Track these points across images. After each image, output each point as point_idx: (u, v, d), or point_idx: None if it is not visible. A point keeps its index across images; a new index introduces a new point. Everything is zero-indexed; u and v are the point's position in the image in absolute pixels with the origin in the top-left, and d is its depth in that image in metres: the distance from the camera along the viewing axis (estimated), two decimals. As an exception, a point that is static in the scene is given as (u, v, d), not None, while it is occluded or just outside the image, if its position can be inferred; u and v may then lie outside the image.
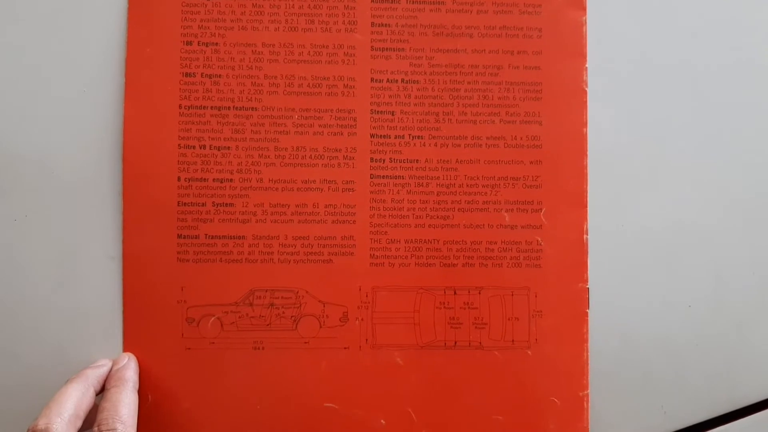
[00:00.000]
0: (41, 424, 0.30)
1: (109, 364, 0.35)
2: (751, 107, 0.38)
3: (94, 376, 0.33)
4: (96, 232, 0.36)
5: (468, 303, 0.36)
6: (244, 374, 0.35)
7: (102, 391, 0.34)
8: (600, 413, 0.37)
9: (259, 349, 0.36)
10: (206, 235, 0.36)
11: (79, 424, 0.31)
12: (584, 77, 0.37)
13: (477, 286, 0.36)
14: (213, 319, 0.36)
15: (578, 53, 0.37)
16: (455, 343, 0.36)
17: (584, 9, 0.37)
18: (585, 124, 0.37)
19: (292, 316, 0.36)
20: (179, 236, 0.36)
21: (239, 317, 0.36)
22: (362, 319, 0.36)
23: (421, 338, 0.36)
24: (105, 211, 0.36)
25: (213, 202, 0.36)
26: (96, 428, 0.31)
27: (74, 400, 0.31)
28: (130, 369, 0.34)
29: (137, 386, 0.34)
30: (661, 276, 0.38)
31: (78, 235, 0.36)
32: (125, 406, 0.32)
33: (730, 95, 0.38)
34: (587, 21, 0.37)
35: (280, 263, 0.36)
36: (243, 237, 0.36)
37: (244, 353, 0.35)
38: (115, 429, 0.31)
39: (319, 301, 0.36)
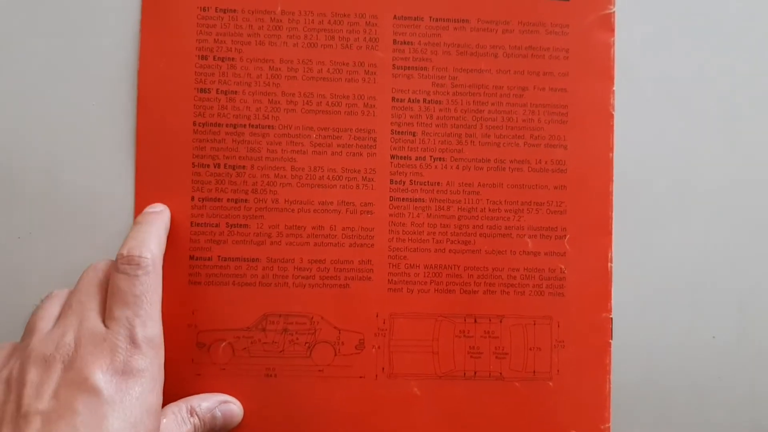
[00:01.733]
0: (137, 250, 0.30)
1: (167, 210, 0.34)
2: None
3: (163, 220, 0.33)
4: (105, 251, 0.34)
5: (489, 332, 0.35)
6: (255, 402, 0.34)
7: None
8: (622, 447, 0.35)
9: (271, 376, 0.34)
10: (219, 257, 0.34)
11: (162, 254, 0.32)
12: (611, 100, 0.36)
13: (498, 314, 0.35)
14: (224, 344, 0.34)
15: (606, 75, 0.36)
16: (475, 373, 0.35)
17: (613, 30, 0.36)
18: (611, 149, 0.36)
19: (306, 343, 0.34)
20: (191, 258, 0.34)
21: (251, 343, 0.34)
22: (379, 347, 0.35)
23: (439, 368, 0.35)
24: (115, 230, 0.35)
25: (227, 223, 0.34)
26: (123, 251, 0.30)
27: (158, 235, 0.32)
28: (164, 213, 0.34)
29: (168, 230, 0.34)
30: (685, 306, 0.37)
31: (86, 253, 0.35)
32: (156, 238, 0.32)
33: (762, 122, 0.37)
34: (615, 42, 0.36)
35: (294, 287, 0.34)
36: (257, 259, 0.34)
37: (256, 380, 0.34)
38: (146, 258, 0.30)
39: (335, 328, 0.35)
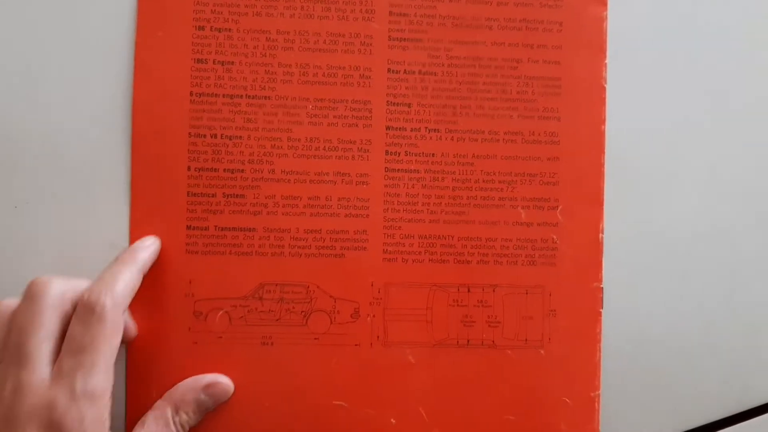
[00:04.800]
0: (95, 295, 0.29)
1: (156, 244, 0.34)
2: (769, 108, 0.38)
3: (143, 260, 0.33)
4: (102, 221, 0.35)
5: (482, 301, 0.36)
6: (252, 370, 0.35)
7: None
8: (611, 414, 0.36)
9: (267, 344, 0.35)
10: (216, 226, 0.35)
11: (126, 305, 0.30)
12: (604, 74, 0.36)
13: (491, 283, 0.36)
14: (221, 313, 0.35)
15: (598, 49, 0.36)
16: (468, 341, 0.35)
17: (605, 4, 0.36)
18: (603, 122, 0.36)
19: (302, 312, 0.35)
20: (188, 227, 0.35)
21: (248, 312, 0.35)
22: (374, 316, 0.35)
23: (433, 336, 0.35)
24: (111, 200, 0.35)
25: (223, 193, 0.35)
26: (84, 294, 0.29)
27: (127, 280, 0.31)
28: (146, 251, 0.33)
29: (146, 270, 0.33)
30: (676, 276, 0.37)
31: (83, 223, 0.35)
32: (123, 282, 0.31)
33: (753, 97, 0.38)
34: (608, 16, 0.36)
35: (290, 257, 0.35)
36: (254, 229, 0.35)
37: (253, 348, 0.35)
38: (103, 304, 0.29)
39: (330, 297, 0.35)
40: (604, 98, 0.36)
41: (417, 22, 0.35)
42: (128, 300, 0.31)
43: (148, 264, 0.33)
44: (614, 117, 0.36)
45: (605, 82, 0.36)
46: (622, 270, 0.37)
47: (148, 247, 0.33)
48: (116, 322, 0.29)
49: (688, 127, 0.37)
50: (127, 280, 0.31)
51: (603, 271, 0.36)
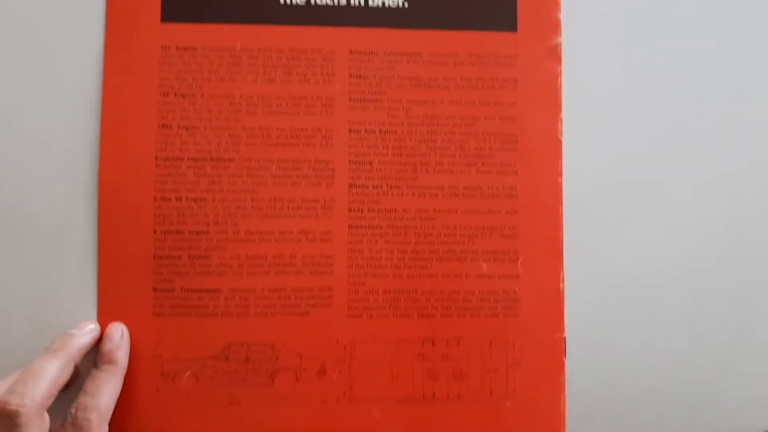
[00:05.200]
0: (12, 402, 0.29)
1: (95, 331, 0.34)
2: (726, 157, 0.39)
3: (76, 349, 0.33)
4: (70, 285, 0.35)
5: (446, 354, 0.36)
6: (219, 430, 0.35)
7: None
8: (579, 463, 0.37)
9: (235, 404, 0.35)
10: (182, 288, 0.35)
11: (50, 402, 0.30)
12: (559, 128, 0.37)
13: (455, 336, 0.36)
14: (188, 373, 0.35)
15: (553, 104, 0.37)
16: (434, 395, 0.36)
17: (560, 60, 0.38)
18: (560, 174, 0.37)
19: (268, 371, 0.35)
20: (155, 290, 0.35)
21: (215, 372, 0.35)
22: (340, 372, 0.35)
23: (399, 391, 0.36)
24: (79, 263, 0.35)
25: (189, 255, 0.35)
26: (72, 410, 0.31)
27: (51, 378, 0.31)
28: (121, 350, 0.34)
29: (125, 369, 0.34)
30: (638, 321, 0.38)
31: (51, 286, 0.35)
32: (108, 395, 0.32)
33: (703, 143, 0.39)
34: (562, 72, 0.38)
35: (256, 316, 0.35)
36: (219, 290, 0.35)
37: (220, 408, 0.35)
38: (89, 420, 0.30)
39: (296, 354, 0.35)
40: (560, 152, 0.37)
41: (376, 84, 0.37)
42: (52, 398, 0.31)
43: (85, 349, 0.33)
44: (571, 169, 0.37)
45: (561, 136, 0.37)
46: (584, 318, 0.37)
47: (86, 334, 0.34)
48: (37, 424, 0.29)
49: (643, 175, 0.38)
50: (51, 377, 0.31)
51: (565, 321, 0.37)
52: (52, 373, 0.31)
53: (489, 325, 0.36)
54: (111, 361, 0.33)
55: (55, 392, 0.31)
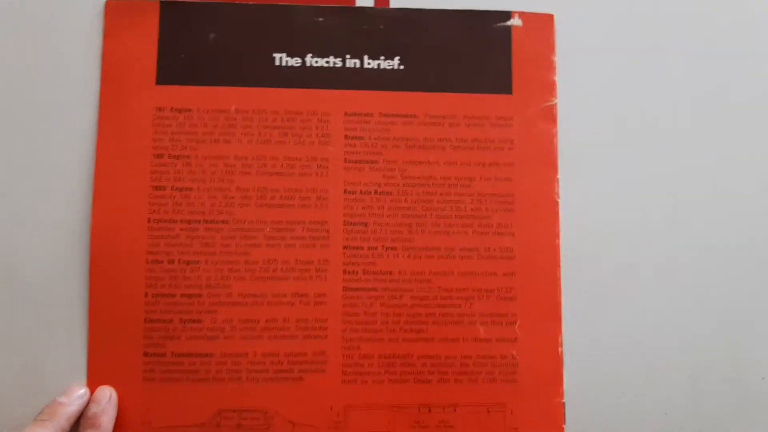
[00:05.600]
0: None
1: (85, 398, 0.33)
2: (726, 212, 0.39)
3: (65, 418, 0.32)
4: (60, 348, 0.35)
5: (443, 421, 0.35)
6: (209, 501, 0.34)
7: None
8: None
9: (225, 473, 0.34)
10: (173, 352, 0.34)
11: None
12: (556, 188, 0.37)
13: (452, 403, 0.35)
14: (178, 441, 0.34)
15: (550, 165, 0.37)
16: (430, 464, 0.35)
17: (555, 121, 0.37)
18: (557, 235, 0.37)
19: (260, 438, 0.34)
20: (145, 354, 0.34)
21: (206, 439, 0.34)
22: (334, 440, 0.35)
23: (394, 460, 0.35)
24: (70, 326, 0.35)
25: (180, 319, 0.35)
26: None
27: None
28: (107, 414, 0.33)
29: (71, 423, 0.33)
30: (638, 385, 0.37)
31: (41, 349, 0.35)
32: None
33: (702, 201, 0.38)
34: (558, 133, 0.37)
35: (248, 382, 0.35)
36: (211, 355, 0.35)
37: (210, 478, 0.34)
38: None
39: (289, 422, 0.35)
40: (558, 212, 0.37)
41: (372, 145, 0.36)
42: None
43: (74, 418, 0.33)
44: (568, 230, 0.37)
45: (558, 197, 0.37)
46: (584, 383, 0.36)
47: (75, 401, 0.33)
48: None
49: (642, 235, 0.38)
50: None
51: (564, 386, 0.36)
52: None
53: (486, 391, 0.35)
54: (95, 426, 0.33)
55: None
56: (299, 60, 0.37)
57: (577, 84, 0.38)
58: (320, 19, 0.37)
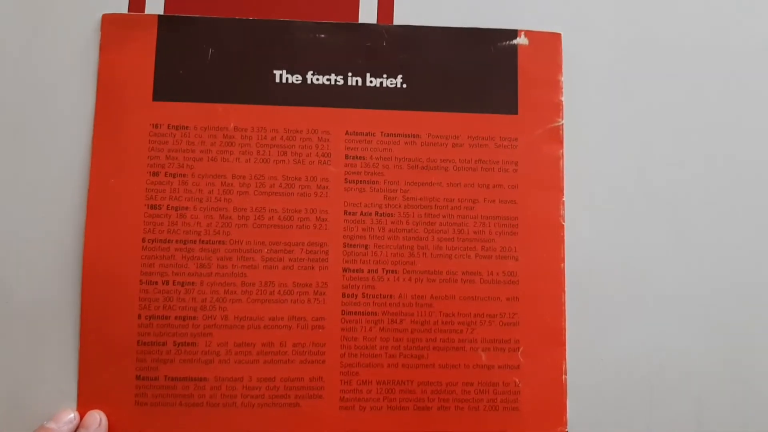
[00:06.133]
0: None
1: (75, 422, 0.32)
2: (731, 236, 0.38)
3: None
4: (51, 370, 0.34)
5: (443, 450, 0.34)
6: None
7: None
8: None
9: (218, 502, 0.33)
10: (166, 376, 0.34)
11: None
12: (561, 211, 0.36)
13: (453, 431, 0.34)
14: (170, 468, 0.33)
15: (555, 187, 0.36)
16: (429, 495, 0.34)
17: (561, 142, 0.37)
18: (563, 260, 0.36)
19: (255, 466, 0.33)
20: (138, 377, 0.33)
21: (198, 466, 0.33)
22: (330, 469, 0.34)
23: (392, 490, 0.34)
24: (61, 348, 0.34)
25: (174, 341, 0.34)
26: None
27: None
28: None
29: None
30: (643, 414, 0.36)
31: (31, 370, 0.34)
32: None
33: (709, 226, 0.38)
34: (564, 155, 0.37)
35: (243, 407, 0.34)
36: (205, 379, 0.34)
37: (203, 507, 0.33)
38: None
39: (285, 449, 0.34)
40: (563, 236, 0.36)
41: (373, 165, 0.36)
42: None
43: None
44: (573, 254, 0.36)
45: (563, 220, 0.36)
46: (588, 410, 0.36)
47: (64, 427, 0.32)
48: None
49: (649, 261, 0.37)
50: None
51: (567, 414, 0.35)
52: None
53: (488, 420, 0.35)
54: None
55: None
56: (300, 77, 0.36)
57: (584, 105, 0.37)
58: (322, 36, 0.36)
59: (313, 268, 0.35)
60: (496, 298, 0.35)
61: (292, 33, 0.36)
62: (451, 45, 0.37)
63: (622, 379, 0.36)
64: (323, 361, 0.34)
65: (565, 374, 0.35)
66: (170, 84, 0.35)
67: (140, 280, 0.34)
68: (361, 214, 0.35)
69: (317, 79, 0.36)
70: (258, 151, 0.35)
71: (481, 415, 0.35)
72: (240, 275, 0.34)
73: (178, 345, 0.34)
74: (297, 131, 0.35)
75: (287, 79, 0.36)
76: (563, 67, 0.37)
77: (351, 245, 0.35)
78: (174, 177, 0.35)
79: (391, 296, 0.35)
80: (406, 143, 0.36)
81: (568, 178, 0.37)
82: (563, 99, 0.37)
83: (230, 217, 0.35)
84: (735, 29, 0.39)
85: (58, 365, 0.34)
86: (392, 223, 0.35)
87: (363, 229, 0.35)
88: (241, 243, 0.35)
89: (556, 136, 0.37)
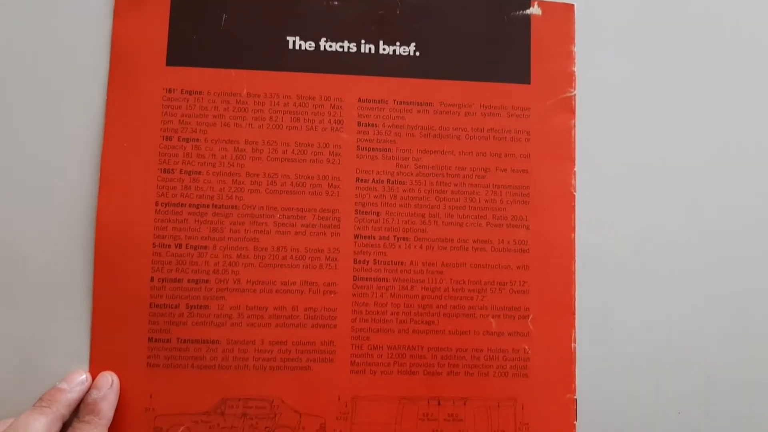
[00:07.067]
0: None
1: (86, 384, 0.33)
2: (739, 208, 0.38)
3: (65, 405, 0.32)
4: (63, 332, 0.34)
5: (453, 415, 0.34)
6: (212, 491, 0.33)
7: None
8: None
9: (229, 463, 0.33)
10: (178, 338, 0.34)
11: None
12: (572, 181, 0.36)
13: (462, 396, 0.35)
14: (182, 429, 0.33)
15: (567, 157, 0.36)
16: (438, 458, 0.34)
17: (573, 112, 0.37)
18: (573, 229, 0.36)
19: (266, 428, 0.34)
20: (150, 339, 0.34)
21: (209, 427, 0.33)
22: (341, 432, 0.34)
23: (402, 453, 0.34)
24: (73, 310, 0.34)
25: (187, 304, 0.34)
26: None
27: (42, 427, 0.30)
28: (107, 401, 0.32)
29: (111, 420, 0.32)
30: (651, 383, 0.37)
31: (44, 332, 0.34)
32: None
33: (719, 197, 0.38)
34: (576, 124, 0.37)
35: (254, 370, 0.34)
36: (217, 341, 0.34)
37: (214, 468, 0.33)
38: None
39: (296, 412, 0.34)
40: (574, 206, 0.36)
41: (385, 132, 0.36)
42: None
43: (74, 405, 0.32)
44: (584, 224, 0.36)
45: (574, 190, 0.36)
46: (596, 379, 0.36)
47: (75, 388, 0.32)
48: None
49: (659, 231, 0.37)
50: (44, 426, 0.30)
51: (576, 382, 0.35)
52: (37, 430, 0.30)
53: (497, 385, 0.35)
54: (94, 412, 0.32)
55: None
56: (313, 44, 0.36)
57: (596, 75, 0.37)
58: (335, 3, 0.36)
59: (325, 234, 0.35)
60: (507, 266, 0.36)
61: (306, 0, 0.36)
62: (464, 13, 0.37)
63: (631, 347, 0.37)
64: (335, 326, 0.34)
65: (574, 342, 0.35)
66: (184, 49, 0.35)
67: (153, 243, 0.34)
68: (373, 181, 0.36)
69: (330, 46, 0.36)
70: (271, 117, 0.35)
71: (491, 381, 0.35)
72: (252, 240, 0.35)
73: (191, 308, 0.34)
74: (310, 98, 0.36)
75: (300, 45, 0.36)
76: (576, 37, 0.37)
77: (363, 212, 0.35)
78: (187, 142, 0.35)
79: (402, 263, 0.35)
80: (418, 111, 0.36)
81: (580, 148, 0.37)
82: (575, 69, 0.37)
83: (243, 183, 0.35)
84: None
85: (70, 327, 0.34)
86: (404, 190, 0.36)
87: (375, 197, 0.35)
88: (254, 208, 0.35)
89: (568, 106, 0.37)
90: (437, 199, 0.36)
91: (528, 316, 0.35)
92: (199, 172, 0.35)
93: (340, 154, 0.35)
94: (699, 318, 0.37)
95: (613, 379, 0.36)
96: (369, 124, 0.36)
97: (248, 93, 0.35)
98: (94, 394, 0.32)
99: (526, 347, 0.35)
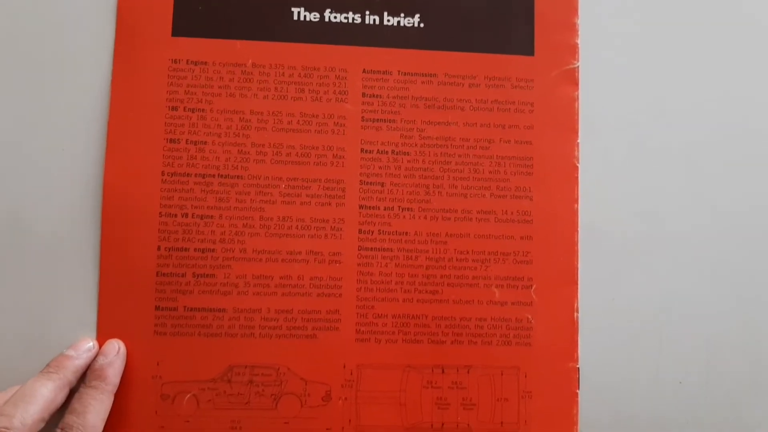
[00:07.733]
0: (0, 426, 0.28)
1: (93, 351, 0.33)
2: (744, 182, 0.38)
3: (72, 371, 0.32)
4: (70, 300, 0.34)
5: (456, 382, 0.35)
6: (219, 456, 0.33)
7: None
8: (590, 499, 0.35)
9: (236, 429, 0.34)
10: (185, 307, 0.34)
11: (41, 426, 0.30)
12: (576, 153, 0.37)
13: (466, 364, 0.35)
14: (189, 396, 0.34)
15: (570, 128, 0.37)
16: (443, 425, 0.35)
17: (577, 84, 0.37)
18: (576, 200, 0.36)
19: (272, 395, 0.34)
20: (157, 308, 0.34)
21: (216, 395, 0.34)
22: (346, 399, 0.34)
23: (407, 419, 0.34)
24: (80, 278, 0.34)
25: (193, 273, 0.34)
26: (58, 430, 0.30)
27: (43, 402, 0.30)
28: (113, 367, 0.33)
29: (117, 386, 0.33)
30: (653, 353, 0.37)
31: (51, 300, 0.34)
32: (96, 414, 0.31)
33: (722, 170, 0.38)
34: (580, 96, 0.37)
35: (261, 338, 0.34)
36: (223, 310, 0.34)
37: (221, 434, 0.34)
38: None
39: (301, 379, 0.34)
40: (577, 177, 0.36)
41: (390, 103, 0.36)
42: (43, 421, 0.30)
43: (81, 371, 0.32)
44: (587, 195, 0.37)
45: (577, 161, 0.37)
46: (598, 348, 0.36)
47: (83, 355, 0.33)
48: None
49: (660, 202, 0.38)
50: (43, 401, 0.30)
51: (579, 351, 0.36)
52: (45, 396, 0.30)
53: (501, 354, 0.35)
54: (100, 378, 0.32)
55: (46, 416, 0.30)
56: (318, 15, 0.36)
57: (600, 47, 0.37)
58: (340, -26, 0.36)
59: (330, 204, 0.35)
60: (510, 236, 0.36)
61: (311, -30, 0.36)
62: (468, -15, 0.37)
63: (633, 318, 0.37)
64: (340, 295, 0.35)
65: (577, 312, 0.36)
66: (189, 20, 0.35)
67: (159, 213, 0.34)
68: (378, 152, 0.36)
69: (335, 17, 0.36)
70: (276, 88, 0.35)
71: (494, 350, 0.35)
72: (258, 209, 0.35)
73: (197, 276, 0.34)
74: (314, 69, 0.36)
75: (305, 16, 0.36)
76: (579, 9, 0.37)
77: (367, 183, 0.36)
78: (193, 112, 0.35)
79: (406, 233, 0.36)
80: (423, 82, 0.36)
81: (583, 119, 0.37)
82: (579, 41, 0.37)
83: (248, 153, 0.35)
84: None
85: (77, 295, 0.34)
86: (408, 161, 0.36)
87: (379, 167, 0.36)
88: (259, 178, 0.35)
89: (571, 78, 0.37)
90: (441, 170, 0.36)
91: (531, 286, 0.36)
92: (205, 142, 0.35)
93: (345, 125, 0.36)
94: (700, 288, 0.37)
95: (615, 348, 0.37)
96: (373, 95, 0.36)
97: (253, 64, 0.35)
98: (101, 360, 0.33)
99: (529, 317, 0.35)
